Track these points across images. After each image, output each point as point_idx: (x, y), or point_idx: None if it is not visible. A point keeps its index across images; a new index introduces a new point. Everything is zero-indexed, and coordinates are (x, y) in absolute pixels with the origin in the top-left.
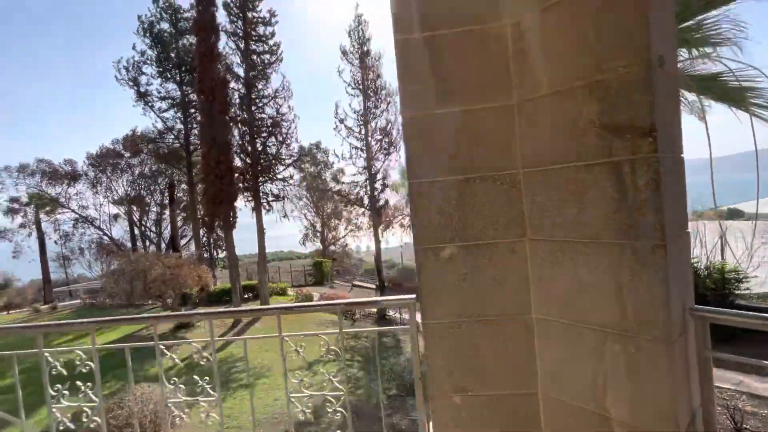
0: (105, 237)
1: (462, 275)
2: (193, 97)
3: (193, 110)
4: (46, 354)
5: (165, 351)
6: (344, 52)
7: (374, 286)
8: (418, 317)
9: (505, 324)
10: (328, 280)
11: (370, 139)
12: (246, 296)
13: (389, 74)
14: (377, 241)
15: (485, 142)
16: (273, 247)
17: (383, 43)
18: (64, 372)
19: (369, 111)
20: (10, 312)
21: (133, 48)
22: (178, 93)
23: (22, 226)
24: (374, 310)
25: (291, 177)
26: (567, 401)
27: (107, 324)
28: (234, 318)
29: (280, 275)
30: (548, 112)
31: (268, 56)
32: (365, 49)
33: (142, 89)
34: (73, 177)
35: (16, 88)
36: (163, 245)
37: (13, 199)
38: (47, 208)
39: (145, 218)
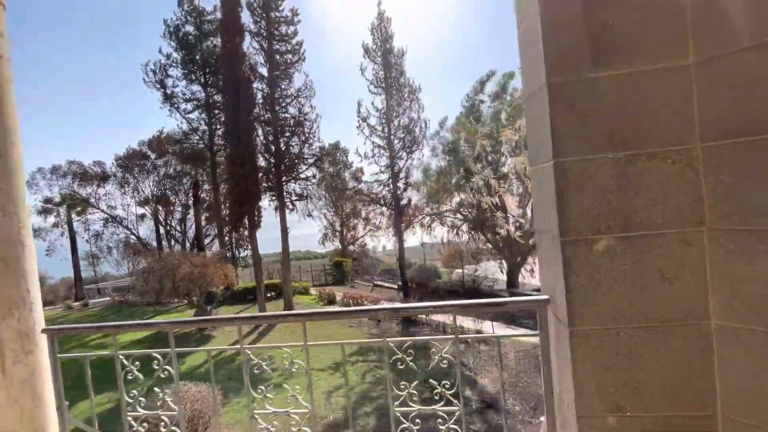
0: (132, 236)
1: (621, 272)
2: (218, 98)
3: (217, 111)
4: (122, 356)
5: (252, 357)
6: (366, 50)
7: (396, 287)
8: (552, 321)
9: (675, 331)
10: (348, 279)
11: (392, 137)
12: (269, 295)
13: (413, 71)
14: (400, 241)
15: (653, 111)
16: (291, 247)
17: (406, 39)
18: (141, 376)
19: (392, 109)
20: (45, 308)
21: (159, 51)
22: (203, 94)
23: (55, 225)
24: None
25: (314, 176)
26: (756, 426)
27: (126, 328)
28: (260, 323)
29: (301, 275)
30: (745, 72)
31: (290, 56)
32: (388, 46)
33: (168, 91)
34: (103, 178)
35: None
36: (187, 244)
37: (47, 200)
38: (78, 208)
39: (170, 218)
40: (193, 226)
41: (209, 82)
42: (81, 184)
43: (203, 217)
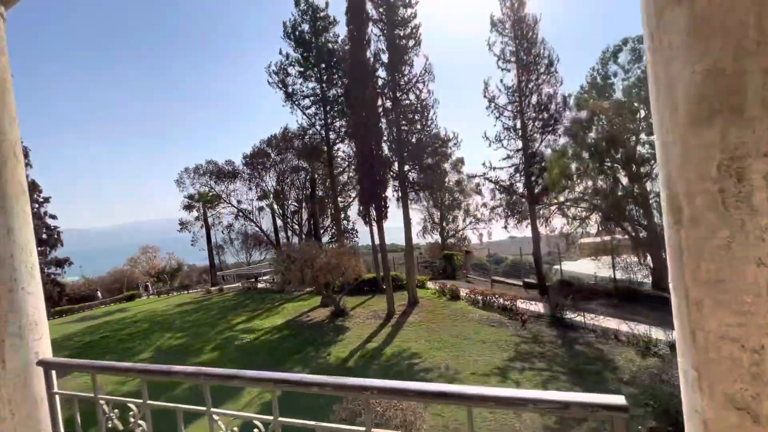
0: (257, 228)
1: None
2: (333, 92)
3: (333, 106)
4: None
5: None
6: (494, 23)
7: (520, 284)
8: None
9: None
10: (459, 273)
11: (525, 117)
12: (384, 287)
13: (549, 40)
14: (534, 232)
15: None
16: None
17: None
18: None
19: (524, 85)
20: (189, 291)
21: (280, 52)
22: (319, 90)
23: (197, 218)
24: (541, 309)
25: (436, 164)
26: None
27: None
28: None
29: (394, 266)
30: None
31: (410, 41)
32: (520, 14)
33: (289, 90)
34: (233, 175)
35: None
36: (302, 236)
37: (190, 196)
38: (213, 203)
39: (287, 210)
40: (307, 218)
41: (324, 78)
42: (217, 182)
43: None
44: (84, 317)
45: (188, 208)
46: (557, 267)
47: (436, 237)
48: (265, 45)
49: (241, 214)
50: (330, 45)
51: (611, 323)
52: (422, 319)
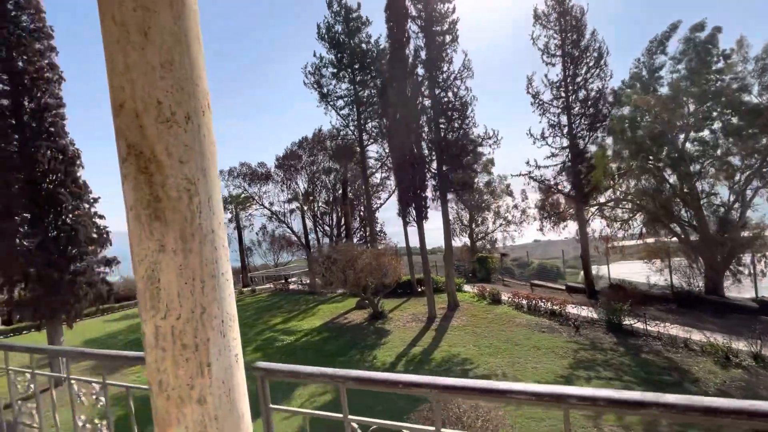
0: (289, 230)
1: None
2: (366, 93)
3: (366, 107)
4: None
5: None
6: (537, 15)
7: (562, 287)
8: None
9: None
10: (494, 276)
11: (571, 113)
12: (420, 289)
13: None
14: (582, 233)
15: None
16: (412, 242)
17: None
18: None
19: (571, 80)
20: None
21: (314, 54)
22: (352, 91)
23: (230, 221)
24: (593, 314)
25: (476, 163)
26: None
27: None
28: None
29: (436, 269)
30: None
31: (448, 36)
32: (566, 6)
33: (324, 90)
34: (266, 177)
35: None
36: (333, 238)
37: (224, 199)
38: (246, 204)
39: (317, 212)
40: (337, 219)
41: (357, 79)
42: (250, 184)
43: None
44: (125, 316)
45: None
46: (595, 270)
47: (464, 240)
48: (294, 52)
49: (274, 216)
50: (363, 45)
51: (675, 330)
52: (466, 324)
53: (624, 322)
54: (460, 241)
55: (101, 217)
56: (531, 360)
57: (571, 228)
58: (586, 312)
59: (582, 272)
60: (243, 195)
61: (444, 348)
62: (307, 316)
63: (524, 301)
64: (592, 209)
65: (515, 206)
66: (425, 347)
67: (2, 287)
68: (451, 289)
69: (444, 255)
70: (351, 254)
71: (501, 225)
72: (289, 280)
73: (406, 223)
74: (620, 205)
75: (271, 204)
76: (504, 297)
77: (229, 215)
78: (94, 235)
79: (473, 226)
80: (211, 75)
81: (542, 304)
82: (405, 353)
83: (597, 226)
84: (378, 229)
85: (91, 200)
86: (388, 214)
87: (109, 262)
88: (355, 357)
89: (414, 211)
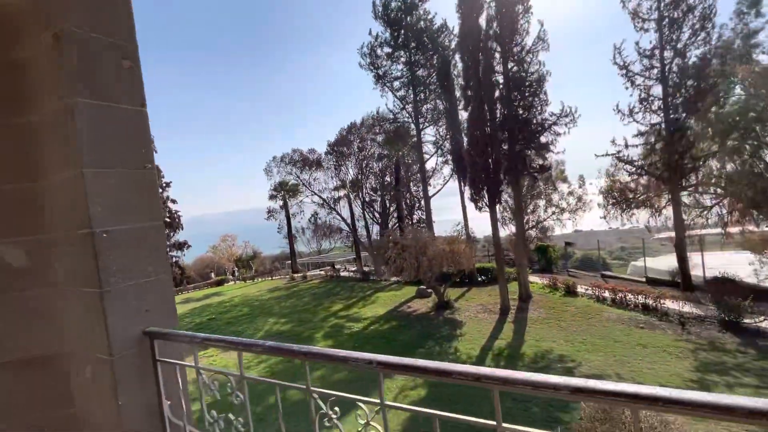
0: (338, 217)
1: None
2: (423, 73)
3: (424, 88)
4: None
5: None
6: None
7: (642, 279)
8: None
9: None
10: (556, 267)
11: (667, 84)
12: (481, 279)
13: None
14: (678, 220)
15: None
16: (446, 230)
17: None
18: None
19: (666, 47)
20: (273, 278)
21: (369, 33)
22: (409, 71)
23: (282, 207)
24: (692, 309)
25: (552, 143)
26: None
27: None
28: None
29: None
30: None
31: (520, 6)
32: None
33: (380, 72)
34: (317, 164)
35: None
36: (383, 225)
37: (277, 186)
38: (294, 192)
39: (366, 199)
40: (382, 206)
41: (414, 59)
42: (301, 170)
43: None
44: (186, 299)
45: (272, 197)
46: (663, 261)
47: (511, 228)
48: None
49: (325, 203)
50: (421, 23)
51: None
52: (546, 316)
53: (742, 321)
54: (507, 230)
55: (174, 201)
56: (640, 360)
57: (640, 215)
58: (689, 308)
59: (631, 264)
60: (292, 182)
61: (531, 343)
62: (366, 304)
63: (607, 294)
64: (679, 194)
65: (570, 192)
66: (509, 341)
67: None
68: (524, 280)
69: (515, 243)
70: (423, 241)
71: (554, 213)
72: (336, 267)
73: (477, 208)
74: (707, 190)
75: (321, 191)
76: (580, 288)
77: (280, 202)
78: (167, 219)
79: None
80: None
81: (632, 297)
82: (488, 346)
83: (668, 213)
84: (424, 216)
85: (164, 185)
86: (435, 201)
87: (181, 246)
88: (434, 349)
89: (486, 195)
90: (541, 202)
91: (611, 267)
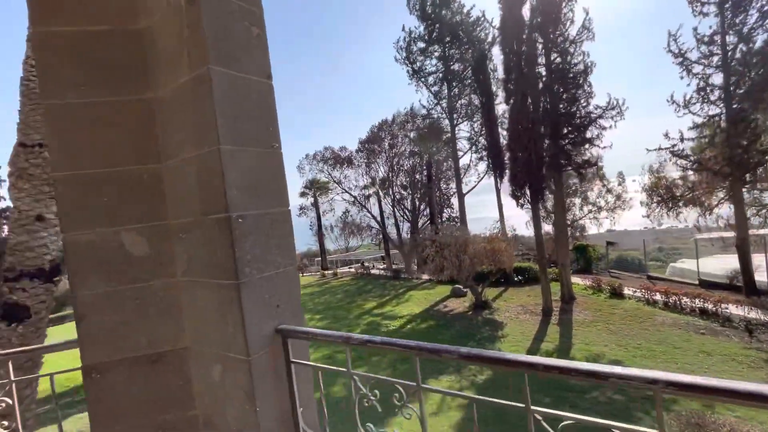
0: (369, 215)
1: None
2: (458, 67)
3: (458, 82)
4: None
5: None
6: None
7: (695, 282)
8: None
9: None
10: (596, 267)
11: (729, 71)
12: (517, 279)
13: None
14: (740, 216)
15: None
16: (477, 229)
17: None
18: None
19: (733, 31)
20: (304, 274)
21: (403, 29)
22: (443, 66)
23: (313, 204)
24: (763, 316)
25: (598, 137)
26: None
27: None
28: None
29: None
30: None
31: None
32: None
33: (415, 67)
34: (348, 161)
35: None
36: (414, 223)
37: (308, 183)
38: (325, 189)
39: (396, 197)
40: (411, 204)
41: (448, 53)
42: (332, 168)
43: (422, 194)
44: None
45: (303, 194)
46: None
47: (546, 227)
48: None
49: (356, 200)
50: (458, 17)
51: None
52: (594, 319)
53: None
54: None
55: None
56: (707, 369)
57: (689, 214)
58: (755, 313)
59: (670, 266)
60: (322, 180)
61: (580, 346)
62: (400, 302)
63: (659, 296)
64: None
65: (608, 190)
66: (556, 344)
67: None
68: (566, 280)
69: (557, 241)
70: (463, 239)
71: (590, 211)
72: (365, 264)
73: (519, 205)
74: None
75: (351, 189)
76: (627, 290)
77: (311, 199)
78: None
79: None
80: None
81: (687, 300)
82: (534, 349)
83: (720, 211)
84: (454, 214)
85: None
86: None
87: None
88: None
89: (528, 191)
90: (577, 200)
91: (648, 268)
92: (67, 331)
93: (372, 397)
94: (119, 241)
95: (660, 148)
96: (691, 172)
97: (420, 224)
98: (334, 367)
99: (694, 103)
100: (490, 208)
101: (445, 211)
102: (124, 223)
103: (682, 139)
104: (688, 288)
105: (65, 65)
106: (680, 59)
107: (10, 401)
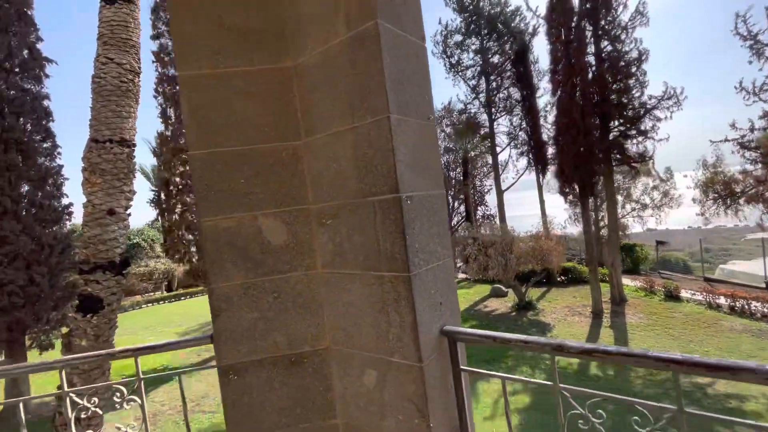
0: None
1: None
2: (496, 60)
3: (496, 75)
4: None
5: None
6: None
7: (761, 285)
8: None
9: None
10: (644, 268)
11: None
12: (560, 279)
13: None
14: None
15: None
16: (516, 227)
17: None
18: None
19: None
20: None
21: (439, 22)
22: (481, 59)
23: None
24: None
25: (653, 129)
26: None
27: None
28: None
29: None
30: None
31: None
32: None
33: (453, 60)
34: None
35: None
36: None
37: None
38: None
39: None
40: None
41: (486, 45)
42: None
43: (456, 191)
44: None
45: None
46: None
47: (579, 227)
48: None
49: None
50: (497, 8)
51: None
52: (649, 322)
53: None
54: (578, 226)
55: None
56: None
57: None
58: None
59: (719, 267)
60: None
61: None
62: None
63: (723, 300)
64: None
65: (654, 187)
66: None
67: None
68: (617, 281)
69: (608, 240)
70: (509, 237)
71: (633, 209)
72: None
73: (567, 201)
74: None
75: None
76: (684, 293)
77: None
78: None
79: (597, 210)
80: None
81: (757, 305)
82: None
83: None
84: (489, 212)
85: None
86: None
87: None
88: (524, 353)
89: (577, 187)
90: (619, 198)
91: (693, 270)
92: (127, 319)
93: (595, 420)
94: (257, 228)
95: (726, 140)
96: (755, 166)
97: (454, 222)
98: (530, 379)
99: (766, 90)
100: (526, 205)
101: (479, 208)
102: (263, 207)
103: (752, 130)
104: (755, 291)
105: (200, 32)
106: (752, 41)
107: (138, 400)
